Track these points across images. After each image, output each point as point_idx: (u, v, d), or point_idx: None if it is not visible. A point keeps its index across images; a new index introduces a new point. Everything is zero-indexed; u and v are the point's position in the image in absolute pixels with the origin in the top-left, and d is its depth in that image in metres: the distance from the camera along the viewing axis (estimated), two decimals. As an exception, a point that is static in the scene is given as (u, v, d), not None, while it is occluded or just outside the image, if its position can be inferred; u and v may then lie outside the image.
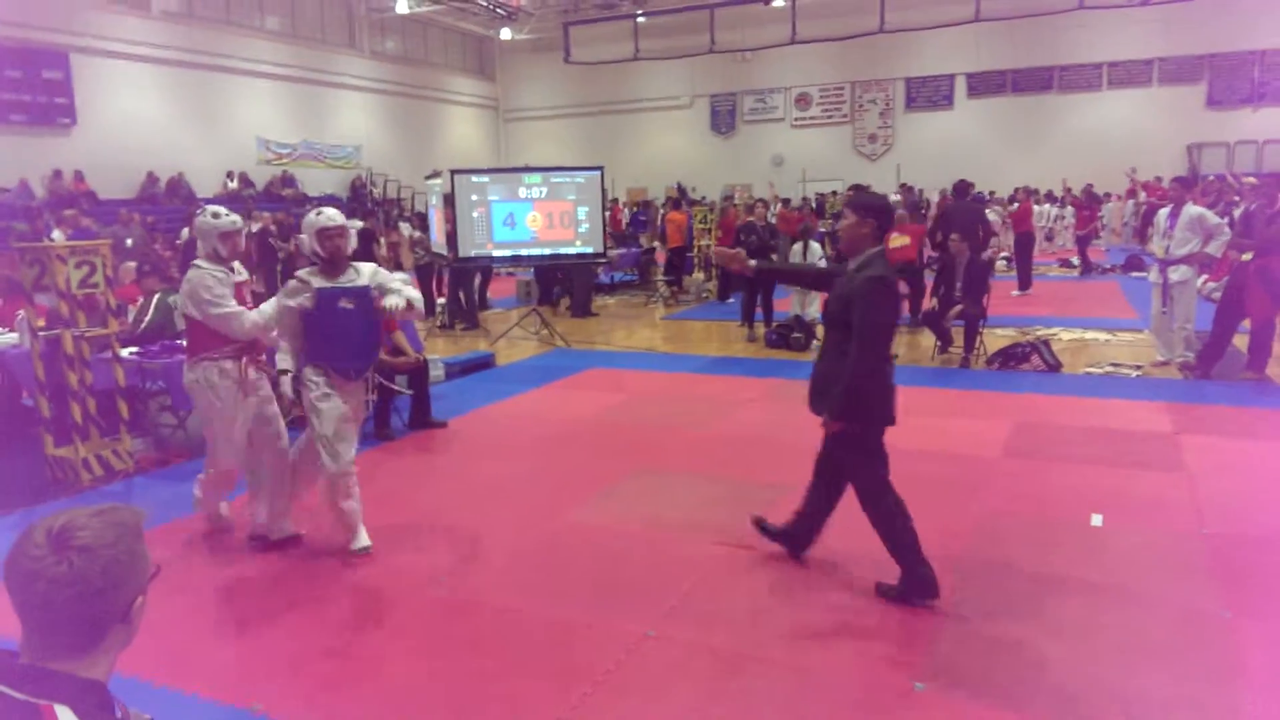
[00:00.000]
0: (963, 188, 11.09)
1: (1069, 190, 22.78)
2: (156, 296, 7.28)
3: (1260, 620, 3.56)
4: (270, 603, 4.04)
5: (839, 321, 3.77)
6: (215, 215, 4.54)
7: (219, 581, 4.25)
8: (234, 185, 21.54)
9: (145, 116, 19.85)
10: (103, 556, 1.31)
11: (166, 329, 7.15)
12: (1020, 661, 3.32)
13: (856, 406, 3.69)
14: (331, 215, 4.40)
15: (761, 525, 4.39)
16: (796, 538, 4.26)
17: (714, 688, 3.22)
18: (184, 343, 6.72)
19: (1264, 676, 3.15)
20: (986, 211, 12.35)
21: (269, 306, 4.52)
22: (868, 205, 3.88)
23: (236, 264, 4.62)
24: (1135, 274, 15.94)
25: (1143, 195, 20.92)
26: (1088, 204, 18.95)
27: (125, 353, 6.34)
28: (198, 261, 4.50)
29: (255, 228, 15.18)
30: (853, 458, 3.87)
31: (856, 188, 10.00)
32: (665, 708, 3.10)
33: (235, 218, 4.59)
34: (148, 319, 7.13)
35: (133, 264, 9.82)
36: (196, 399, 4.60)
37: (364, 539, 4.46)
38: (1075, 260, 17.40)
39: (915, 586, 3.74)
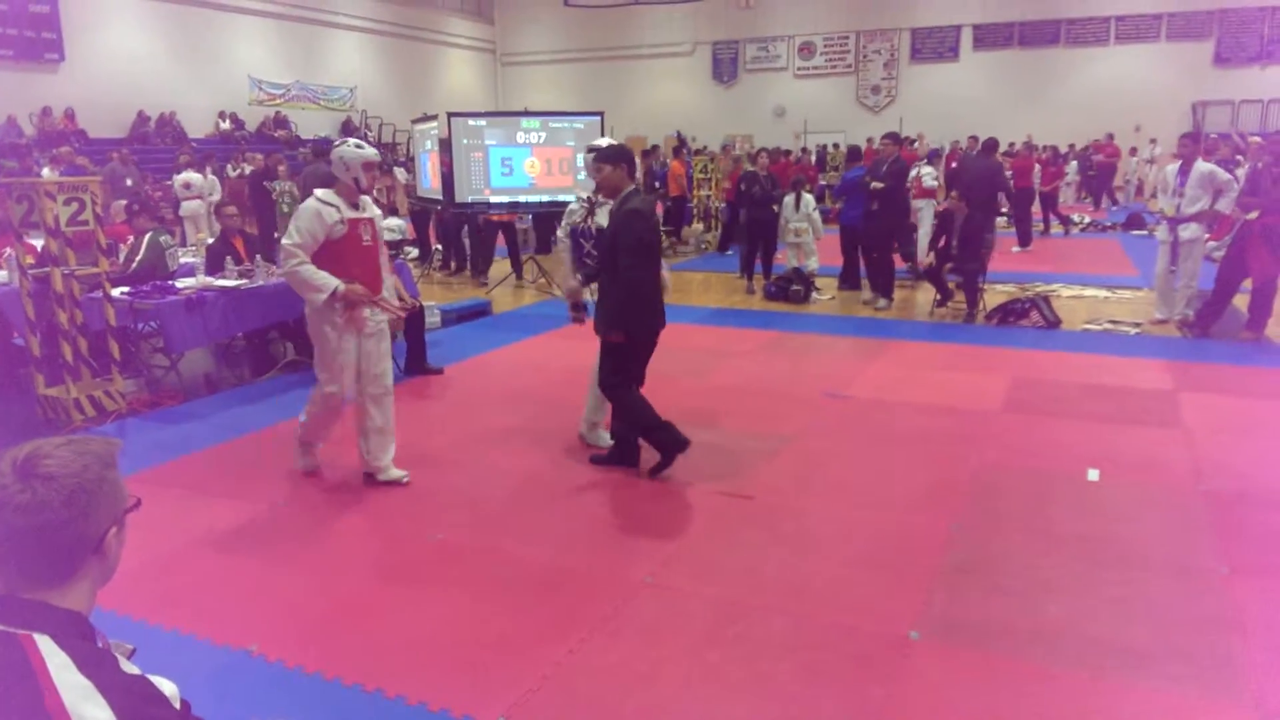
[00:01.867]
0: (991, 145, 10.88)
1: (1072, 146, 22.54)
2: (148, 236, 7.17)
3: (1256, 576, 3.57)
4: (266, 547, 4.03)
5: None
6: (359, 145, 4.51)
7: (213, 524, 4.23)
8: (226, 126, 21.21)
9: (135, 53, 19.44)
10: (66, 485, 1.28)
11: (158, 269, 7.06)
12: (1015, 612, 3.32)
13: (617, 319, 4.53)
14: (372, 150, 4.54)
15: (595, 459, 4.97)
16: (625, 453, 4.85)
17: (710, 634, 3.23)
18: (176, 283, 6.70)
19: (1259, 631, 3.16)
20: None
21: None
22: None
23: (365, 199, 4.58)
24: (1135, 232, 15.84)
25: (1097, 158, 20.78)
26: (1053, 160, 18.75)
27: (116, 293, 6.26)
28: (318, 192, 4.44)
29: (248, 170, 15.01)
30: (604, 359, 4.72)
31: (892, 136, 9.77)
32: (661, 653, 3.10)
33: (374, 150, 4.58)
34: (139, 258, 7.02)
35: (123, 202, 9.66)
36: (311, 325, 4.58)
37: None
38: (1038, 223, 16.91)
39: (666, 447, 4.63)
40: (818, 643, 3.15)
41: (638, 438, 4.76)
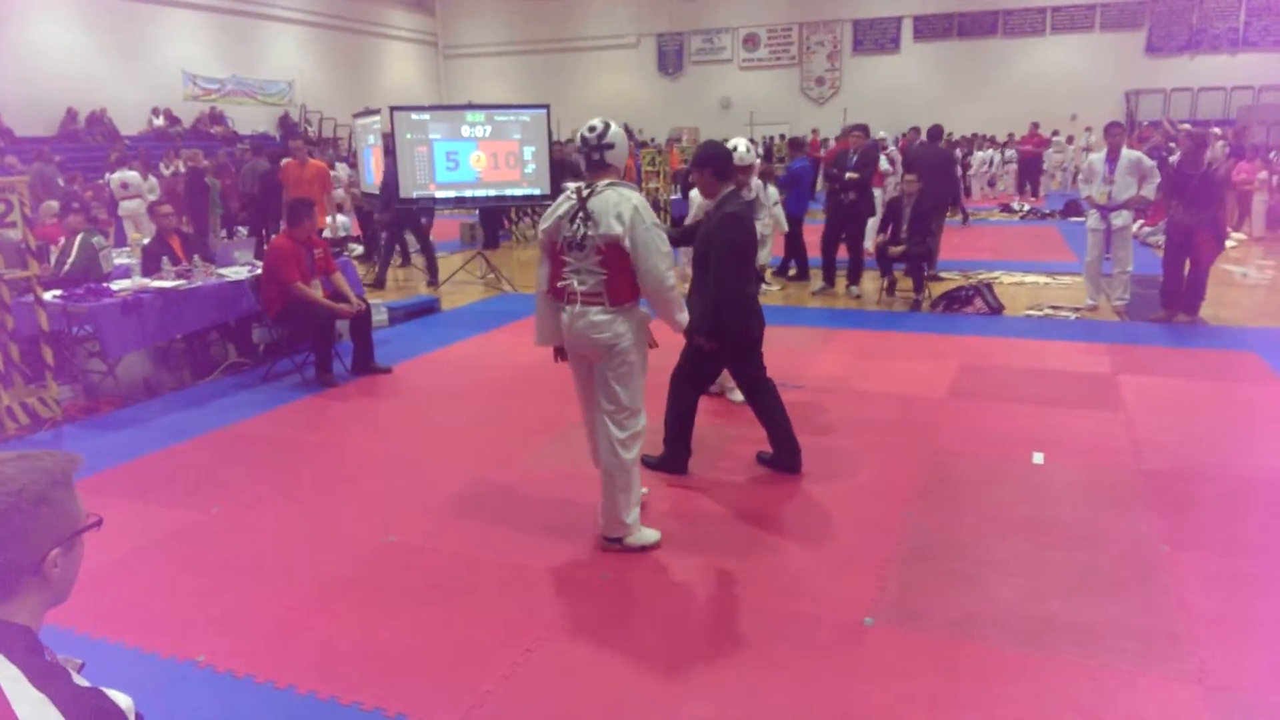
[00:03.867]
0: (936, 132, 11.05)
1: (1011, 136, 23.00)
2: (79, 236, 6.94)
3: (1196, 552, 3.67)
4: (210, 554, 3.93)
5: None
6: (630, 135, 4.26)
7: (155, 532, 4.11)
8: (160, 122, 20.63)
9: (63, 48, 18.81)
10: (1, 505, 1.25)
11: (92, 271, 6.84)
12: (967, 596, 3.38)
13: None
14: None
15: (761, 457, 4.82)
16: (780, 456, 4.69)
17: (668, 629, 3.22)
18: (111, 285, 6.50)
19: (1200, 606, 3.25)
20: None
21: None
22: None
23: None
24: (1074, 219, 16.23)
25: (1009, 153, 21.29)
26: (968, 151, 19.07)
27: (49, 296, 6.05)
28: (617, 181, 3.68)
29: (183, 168, 14.63)
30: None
31: (861, 128, 9.83)
32: (622, 650, 3.09)
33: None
34: (71, 260, 6.80)
35: (55, 203, 9.34)
36: (634, 353, 3.67)
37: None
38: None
39: (669, 462, 4.65)
40: (774, 633, 3.17)
41: (686, 439, 4.66)
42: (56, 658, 1.34)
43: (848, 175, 9.30)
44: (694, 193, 6.00)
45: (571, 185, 3.72)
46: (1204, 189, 7.65)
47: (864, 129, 9.87)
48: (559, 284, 3.68)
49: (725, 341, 4.37)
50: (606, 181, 3.59)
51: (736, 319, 4.31)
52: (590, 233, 3.52)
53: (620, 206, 3.49)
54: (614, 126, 3.68)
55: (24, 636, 1.27)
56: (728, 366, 4.71)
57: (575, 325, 3.65)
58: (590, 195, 3.56)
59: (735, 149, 5.61)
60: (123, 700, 1.30)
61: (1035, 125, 21.85)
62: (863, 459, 4.81)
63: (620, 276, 3.55)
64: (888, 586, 3.46)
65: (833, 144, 15.60)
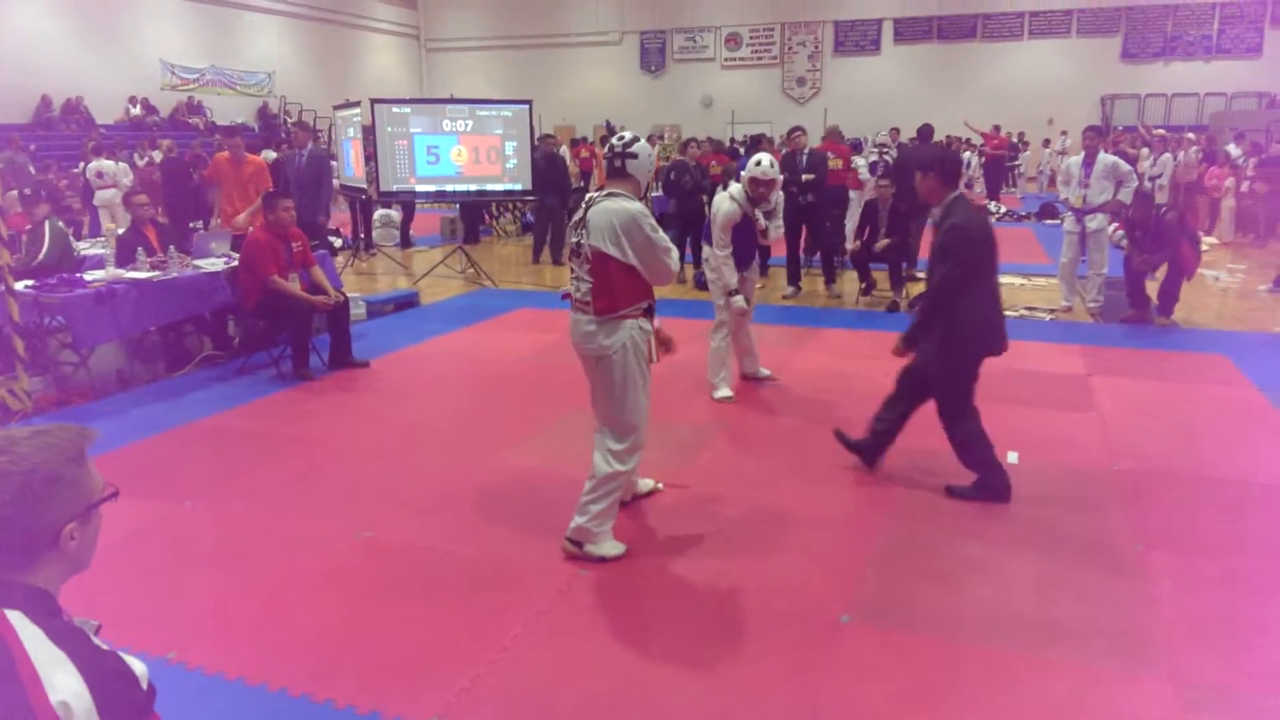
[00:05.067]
0: (926, 133, 11.11)
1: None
2: (48, 224, 6.83)
3: (1168, 551, 3.72)
4: (182, 548, 3.89)
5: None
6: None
7: (126, 526, 4.06)
8: (137, 111, 20.37)
9: (38, 35, 18.50)
10: (13, 483, 1.29)
11: (65, 260, 6.74)
12: (942, 593, 3.40)
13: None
14: None
15: (841, 437, 4.77)
16: (874, 448, 4.64)
17: (645, 625, 3.23)
18: (85, 276, 6.41)
19: (1171, 605, 3.30)
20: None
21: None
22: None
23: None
24: (1049, 221, 16.38)
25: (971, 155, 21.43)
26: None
27: (20, 286, 5.95)
28: (619, 192, 3.62)
29: (158, 157, 14.47)
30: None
31: (799, 128, 9.88)
32: (597, 645, 3.09)
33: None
34: (45, 249, 6.69)
35: (14, 192, 9.18)
36: (620, 368, 3.62)
37: None
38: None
39: (992, 488, 4.28)
40: (752, 630, 3.18)
41: (997, 462, 4.30)
42: (75, 620, 1.39)
43: (804, 177, 9.35)
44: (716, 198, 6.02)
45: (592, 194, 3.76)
46: (1156, 238, 7.76)
47: (801, 129, 9.93)
48: (567, 288, 3.78)
49: (964, 361, 4.18)
50: (607, 192, 3.60)
51: (973, 333, 4.11)
52: (584, 240, 3.56)
53: (616, 218, 3.50)
54: (644, 142, 3.73)
55: (44, 599, 1.33)
56: (932, 386, 4.35)
57: (574, 331, 3.72)
58: (592, 205, 3.59)
59: (759, 163, 5.65)
60: (138, 667, 1.36)
61: (996, 128, 21.99)
62: (840, 457, 4.83)
63: (606, 288, 3.55)
64: (864, 585, 3.48)
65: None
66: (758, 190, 5.67)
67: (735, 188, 5.78)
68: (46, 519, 1.32)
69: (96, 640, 1.34)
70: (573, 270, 3.71)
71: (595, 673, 2.94)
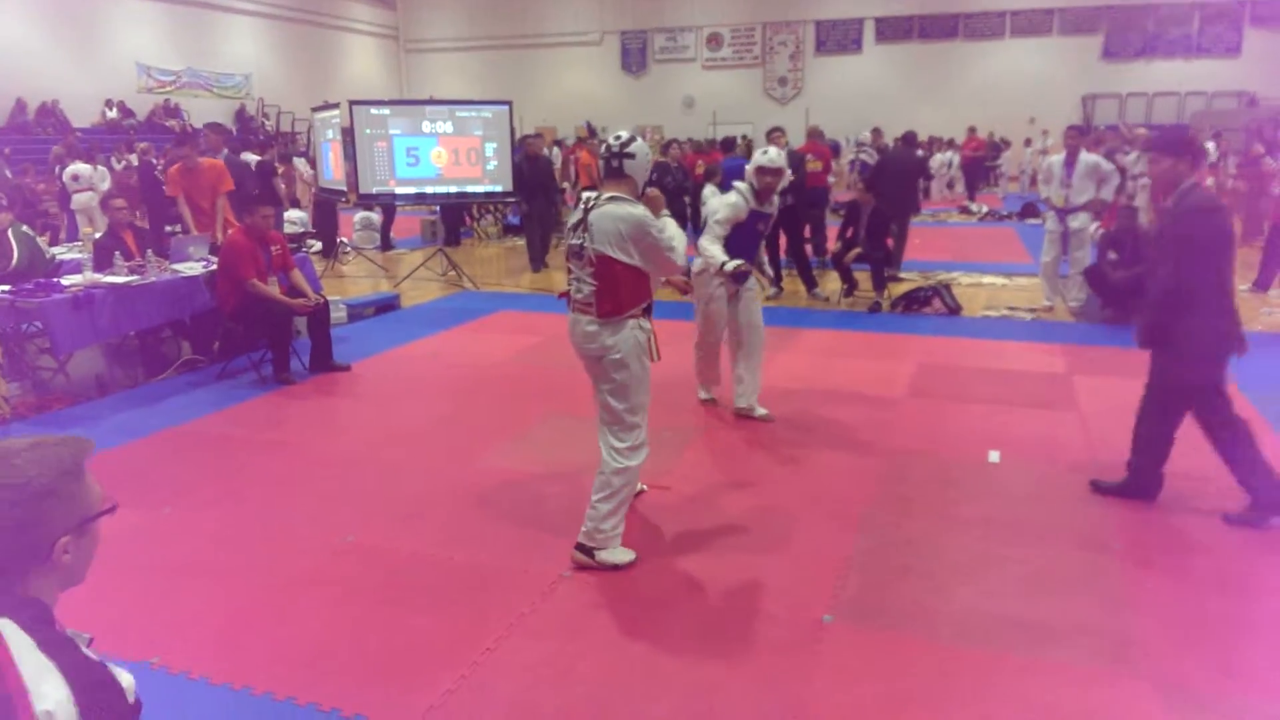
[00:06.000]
0: (910, 138, 11.19)
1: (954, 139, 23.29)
2: (11, 231, 6.75)
3: (1146, 551, 3.75)
4: (164, 554, 3.85)
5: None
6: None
7: (107, 532, 4.01)
8: (113, 114, 20.20)
9: (12, 38, 18.33)
10: (4, 497, 1.28)
11: (37, 263, 6.66)
12: (925, 594, 3.42)
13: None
14: None
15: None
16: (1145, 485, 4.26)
17: (628, 628, 3.23)
18: (62, 280, 6.34)
19: (1150, 604, 3.33)
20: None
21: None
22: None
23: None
24: (1031, 220, 16.49)
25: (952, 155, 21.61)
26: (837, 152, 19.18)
27: (-4, 291, 5.89)
28: (621, 196, 3.59)
29: (135, 160, 14.33)
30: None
31: (778, 129, 9.91)
32: (580, 648, 3.09)
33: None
34: (15, 256, 6.62)
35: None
36: (623, 367, 3.66)
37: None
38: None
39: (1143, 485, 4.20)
40: (734, 631, 3.18)
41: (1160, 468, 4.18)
42: (67, 631, 1.38)
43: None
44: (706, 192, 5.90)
45: (587, 194, 3.71)
46: (1135, 252, 7.83)
47: (780, 129, 9.97)
48: (566, 289, 3.75)
49: (1196, 362, 3.93)
50: (609, 195, 3.58)
51: (1206, 333, 3.86)
52: (586, 244, 3.54)
53: (623, 225, 3.48)
54: (641, 141, 3.69)
55: (37, 609, 1.32)
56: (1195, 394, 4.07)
57: (574, 331, 3.70)
58: (593, 207, 3.57)
59: (766, 153, 5.47)
60: (126, 678, 1.36)
61: (972, 130, 22.15)
62: (822, 457, 4.85)
63: (610, 291, 3.54)
64: (846, 584, 3.50)
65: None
66: (764, 180, 5.41)
67: (742, 185, 5.57)
68: (38, 532, 1.31)
69: (87, 651, 1.34)
70: (571, 271, 3.68)
71: (579, 675, 2.94)
